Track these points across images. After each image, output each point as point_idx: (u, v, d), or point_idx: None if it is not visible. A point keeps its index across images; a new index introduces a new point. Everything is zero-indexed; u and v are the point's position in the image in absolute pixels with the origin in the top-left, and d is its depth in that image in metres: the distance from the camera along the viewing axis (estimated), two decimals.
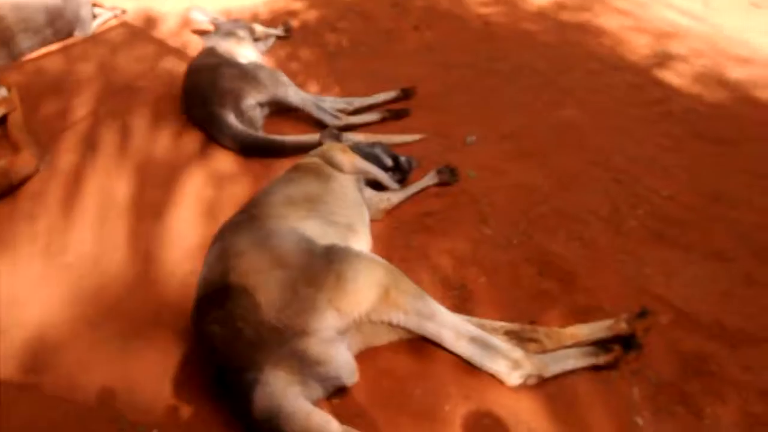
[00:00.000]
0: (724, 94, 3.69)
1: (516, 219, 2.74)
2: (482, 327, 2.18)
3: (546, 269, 2.46)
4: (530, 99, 3.61)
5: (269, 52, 4.09)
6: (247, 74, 3.43)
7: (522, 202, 2.84)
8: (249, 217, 2.38)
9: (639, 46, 4.25)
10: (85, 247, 2.76)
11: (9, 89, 3.63)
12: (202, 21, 4.09)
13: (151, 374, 2.26)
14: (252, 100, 3.37)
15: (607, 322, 2.17)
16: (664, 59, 4.07)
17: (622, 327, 2.15)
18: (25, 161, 3.13)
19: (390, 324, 2.10)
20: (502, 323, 2.20)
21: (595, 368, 2.08)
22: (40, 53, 4.12)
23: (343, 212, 2.50)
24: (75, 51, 4.13)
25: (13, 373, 2.30)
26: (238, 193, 2.95)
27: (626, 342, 2.13)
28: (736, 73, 3.93)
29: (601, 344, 2.14)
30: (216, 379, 2.07)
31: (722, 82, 3.83)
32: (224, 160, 3.20)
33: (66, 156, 3.27)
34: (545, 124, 3.40)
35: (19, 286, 2.62)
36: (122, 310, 2.49)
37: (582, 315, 2.25)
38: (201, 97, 3.36)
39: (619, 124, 3.40)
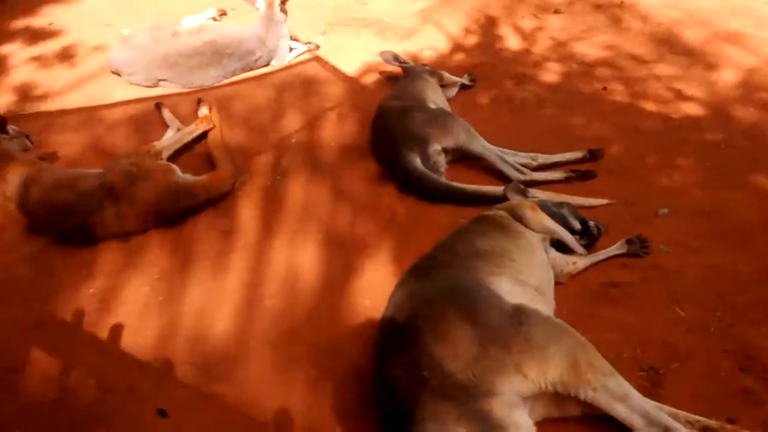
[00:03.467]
0: None
1: (713, 304, 2.60)
2: (676, 418, 2.08)
3: (749, 365, 2.31)
4: (728, 176, 3.43)
5: (452, 100, 4.17)
6: (436, 119, 3.52)
7: (719, 285, 2.70)
8: (438, 263, 2.42)
9: None
10: (272, 269, 2.93)
11: (210, 108, 3.92)
12: (392, 64, 4.24)
13: (326, 404, 2.33)
14: (438, 146, 3.45)
15: None
16: None
17: None
18: (222, 178, 3.37)
19: (576, 398, 2.03)
20: (699, 418, 2.08)
21: None
22: (240, 78, 4.42)
23: (531, 272, 2.48)
24: (271, 79, 4.41)
25: (199, 380, 2.44)
26: (419, 238, 2.99)
27: None
28: None
29: None
30: (390, 423, 2.09)
31: None
32: (409, 201, 3.27)
33: (259, 178, 3.48)
34: (745, 203, 3.21)
35: (209, 299, 2.79)
36: (302, 335, 2.60)
37: None
38: (389, 137, 3.49)
39: None
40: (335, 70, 4.52)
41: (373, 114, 3.73)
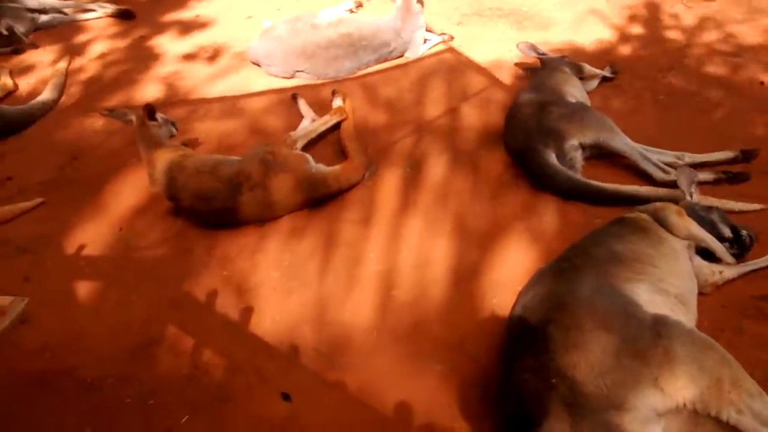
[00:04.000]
0: None
1: None
2: None
3: None
4: None
5: (592, 93, 3.99)
6: (573, 114, 3.39)
7: None
8: (572, 266, 2.32)
9: None
10: (401, 261, 2.93)
11: (344, 99, 3.98)
12: (529, 55, 4.12)
13: (448, 402, 2.31)
14: (575, 141, 3.31)
15: None
16: None
17: None
18: (353, 169, 3.41)
19: (717, 419, 1.88)
20: None
21: None
22: (374, 69, 4.46)
23: (673, 281, 2.33)
24: (405, 70, 4.42)
25: (323, 367, 2.48)
26: (552, 236, 2.89)
27: None
28: None
29: None
30: (514, 427, 2.03)
31: None
32: (543, 198, 3.17)
33: (390, 169, 3.49)
34: None
35: (337, 287, 2.84)
36: (427, 330, 2.59)
37: None
38: (524, 131, 3.39)
39: None
40: (470, 62, 4.45)
41: (508, 106, 3.64)
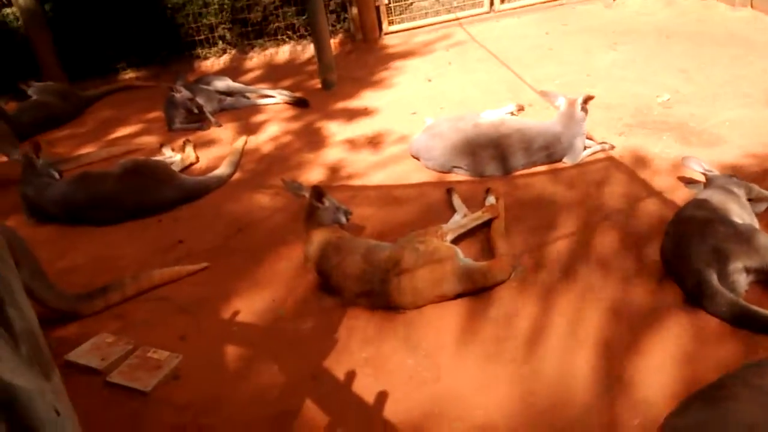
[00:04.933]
0: None
1: None
2: None
3: None
4: None
5: (761, 215, 3.79)
6: (741, 235, 3.24)
7: None
8: (728, 395, 2.18)
9: None
10: (541, 367, 2.88)
11: (497, 198, 4.05)
12: (695, 170, 4.01)
13: None
14: (740, 264, 3.15)
15: None
16: None
17: None
18: (500, 267, 3.44)
19: None
20: None
21: None
22: (532, 171, 4.52)
23: None
24: (562, 175, 4.43)
25: None
26: (706, 362, 2.74)
27: None
28: None
29: None
30: None
31: None
32: (696, 318, 3.02)
33: (537, 271, 3.50)
34: None
35: (471, 383, 2.82)
36: None
37: None
38: (685, 247, 3.29)
39: None
40: (629, 171, 4.40)
41: (666, 220, 3.54)
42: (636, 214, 3.91)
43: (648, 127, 4.94)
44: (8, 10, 7.47)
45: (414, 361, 3.03)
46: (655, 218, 3.82)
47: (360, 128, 5.71)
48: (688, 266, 3.19)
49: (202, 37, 7.95)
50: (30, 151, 4.85)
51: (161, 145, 5.68)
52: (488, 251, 3.68)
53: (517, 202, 4.18)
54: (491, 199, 4.10)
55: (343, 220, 3.81)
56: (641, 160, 4.52)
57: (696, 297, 3.13)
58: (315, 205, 3.70)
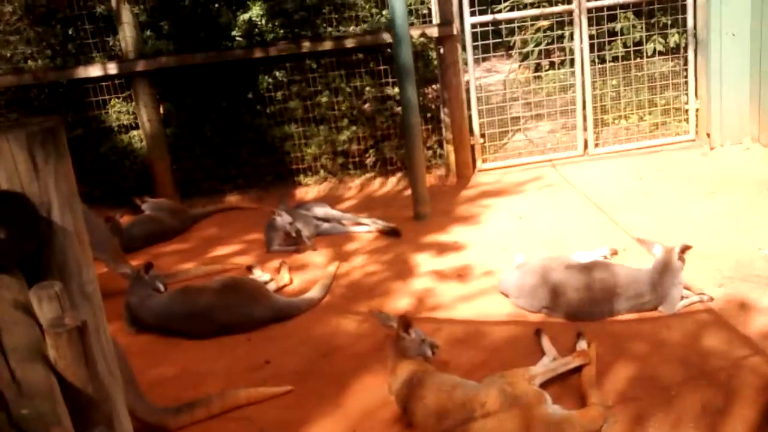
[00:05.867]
0: None
1: None
2: None
3: None
4: None
5: None
6: None
7: None
8: None
9: None
10: None
11: (589, 344, 3.95)
12: None
13: None
14: None
15: None
16: None
17: None
18: (591, 418, 3.32)
19: None
20: None
21: None
22: (625, 317, 4.41)
23: None
24: (657, 324, 4.29)
25: None
26: None
27: None
28: None
29: None
30: None
31: None
32: None
33: (628, 424, 3.30)
34: None
35: None
36: None
37: None
38: None
39: None
40: (728, 327, 4.19)
41: None
42: (736, 373, 3.69)
43: (750, 280, 4.74)
44: (135, 132, 8.16)
45: None
46: (757, 377, 3.60)
47: (449, 261, 5.75)
48: None
49: (305, 165, 8.38)
50: (142, 267, 5.13)
51: (249, 267, 5.85)
52: (575, 398, 3.54)
53: (609, 350, 4.03)
54: (582, 344, 3.98)
55: (429, 353, 3.78)
56: (742, 315, 4.32)
57: None
58: (401, 336, 3.70)
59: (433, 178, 8.31)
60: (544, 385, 3.58)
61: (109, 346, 1.74)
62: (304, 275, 5.80)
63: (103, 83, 7.89)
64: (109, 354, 1.72)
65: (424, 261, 5.83)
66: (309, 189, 8.43)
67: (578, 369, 3.74)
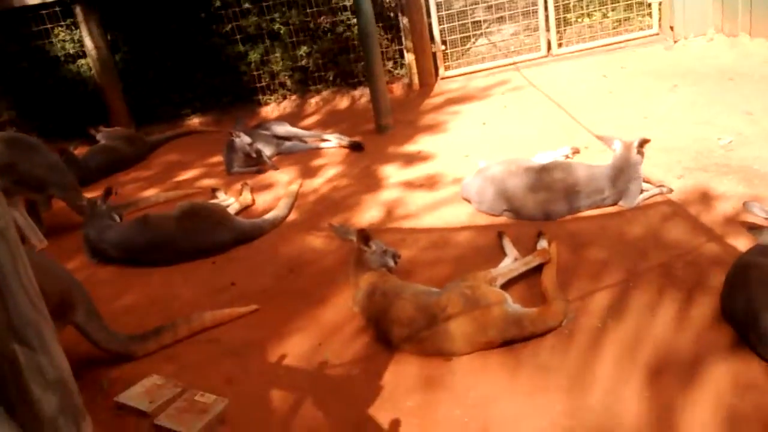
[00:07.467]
0: None
1: None
2: None
3: None
4: None
5: None
6: None
7: None
8: None
9: None
10: (590, 420, 2.74)
11: (549, 242, 3.97)
12: (758, 215, 3.82)
13: None
14: None
15: None
16: None
17: None
18: (551, 314, 3.35)
19: None
20: None
21: None
22: (585, 214, 4.44)
23: None
24: (617, 220, 4.33)
25: None
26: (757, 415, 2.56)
27: None
28: None
29: None
30: None
31: None
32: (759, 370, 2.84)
33: (589, 319, 3.38)
34: None
35: None
36: None
37: None
38: (746, 295, 3.11)
39: None
40: (687, 216, 4.23)
41: (726, 266, 3.37)
42: (694, 260, 3.74)
43: (709, 170, 4.75)
44: (82, 61, 7.85)
45: (461, 411, 2.93)
46: (715, 264, 3.65)
47: (414, 171, 5.71)
48: (751, 315, 3.02)
49: (264, 84, 8.17)
50: (100, 197, 5.02)
51: (213, 190, 5.79)
52: (540, 297, 3.58)
53: (570, 246, 4.06)
54: (543, 243, 3.99)
55: (391, 263, 3.79)
56: (701, 204, 4.34)
57: (753, 343, 2.96)
58: (362, 249, 3.68)
59: (397, 88, 8.18)
60: (507, 286, 3.61)
61: (33, 283, 1.65)
62: (269, 195, 5.74)
63: (43, 11, 7.52)
64: (32, 289, 1.63)
65: (390, 172, 5.78)
66: (270, 108, 8.26)
67: (539, 268, 3.76)
